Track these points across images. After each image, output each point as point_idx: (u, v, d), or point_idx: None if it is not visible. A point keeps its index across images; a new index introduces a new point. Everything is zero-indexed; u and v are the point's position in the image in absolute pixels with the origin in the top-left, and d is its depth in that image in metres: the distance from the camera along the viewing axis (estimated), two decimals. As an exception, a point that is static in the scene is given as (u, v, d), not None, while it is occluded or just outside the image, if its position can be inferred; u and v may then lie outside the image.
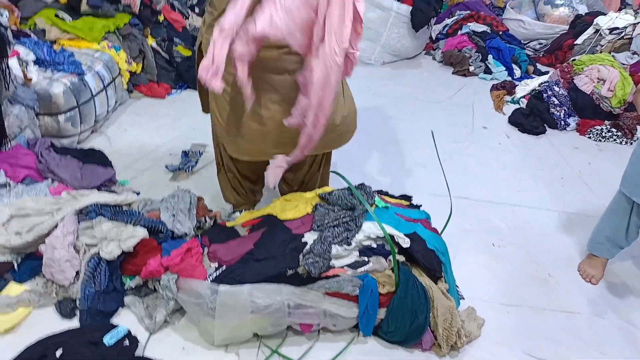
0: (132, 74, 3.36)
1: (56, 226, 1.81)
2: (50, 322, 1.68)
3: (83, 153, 2.52)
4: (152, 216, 1.93)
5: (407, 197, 2.17)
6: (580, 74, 3.74)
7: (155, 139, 2.94)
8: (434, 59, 4.85)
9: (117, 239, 1.78)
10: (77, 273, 1.76)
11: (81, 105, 2.70)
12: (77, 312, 1.72)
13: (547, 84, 3.83)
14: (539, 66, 4.78)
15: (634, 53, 4.40)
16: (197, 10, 4.60)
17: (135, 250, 1.77)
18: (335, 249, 1.68)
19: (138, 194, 2.31)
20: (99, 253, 1.76)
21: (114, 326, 1.63)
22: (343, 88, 1.82)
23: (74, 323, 1.69)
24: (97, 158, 2.49)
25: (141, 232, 1.79)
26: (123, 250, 1.75)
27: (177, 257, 1.68)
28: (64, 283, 1.73)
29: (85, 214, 1.88)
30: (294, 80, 1.54)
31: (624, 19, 4.61)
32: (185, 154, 2.74)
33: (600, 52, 4.38)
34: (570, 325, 1.91)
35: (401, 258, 1.74)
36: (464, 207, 2.52)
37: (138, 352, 1.60)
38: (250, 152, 1.79)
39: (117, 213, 1.91)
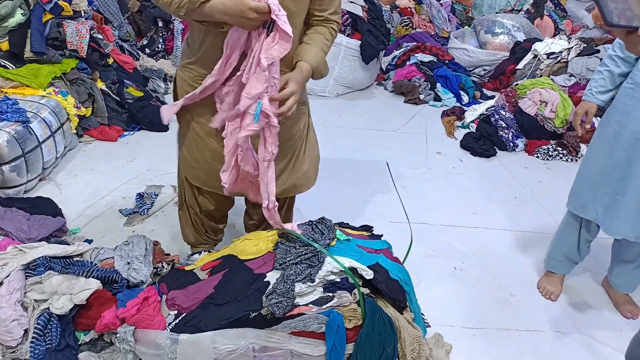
0: (82, 117, 3.28)
1: (1, 284, 1.70)
2: (-4, 389, 1.56)
3: (30, 203, 2.40)
4: (106, 265, 1.85)
5: (368, 228, 2.18)
6: (523, 97, 3.94)
7: (108, 183, 2.85)
8: (385, 89, 5.00)
9: (68, 292, 1.69)
10: (26, 331, 1.65)
11: (27, 154, 2.60)
12: (27, 375, 1.60)
13: (493, 108, 4.00)
14: (485, 91, 5.01)
15: (571, 75, 4.68)
16: (147, 51, 4.59)
17: (88, 302, 1.68)
18: (299, 287, 1.65)
19: (90, 241, 2.23)
20: (49, 308, 1.67)
21: (67, 387, 1.53)
22: (308, 133, 1.88)
23: (23, 387, 1.58)
24: (46, 207, 2.38)
25: (94, 284, 1.70)
26: (75, 304, 1.65)
27: (134, 308, 1.60)
28: (11, 344, 1.61)
29: (33, 268, 1.78)
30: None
31: (558, 44, 4.93)
32: (140, 196, 2.67)
33: (540, 76, 4.63)
34: (534, 343, 1.94)
35: (365, 290, 1.73)
36: (424, 233, 2.56)
37: (95, 414, 1.50)
38: (207, 184, 1.84)
39: (68, 265, 1.81)
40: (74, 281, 1.72)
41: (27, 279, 1.75)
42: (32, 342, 1.62)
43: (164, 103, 3.94)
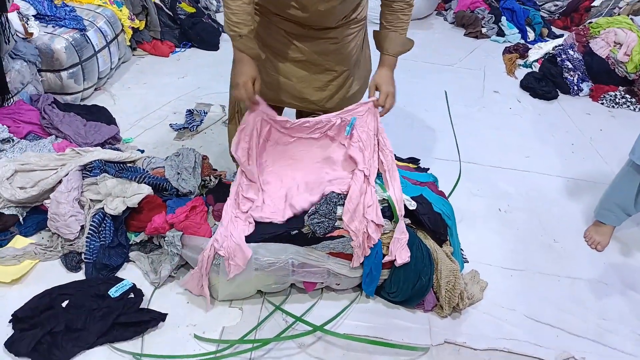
0: (135, 30, 3.29)
1: (60, 182, 1.81)
2: (56, 275, 1.70)
3: (87, 110, 2.49)
4: (157, 174, 1.92)
5: (415, 160, 2.15)
6: (596, 37, 3.63)
7: (160, 97, 2.90)
8: (445, 19, 4.71)
9: (121, 195, 1.78)
10: (82, 227, 1.76)
11: (84, 62, 2.65)
12: (83, 266, 1.73)
13: (561, 47, 3.72)
14: (553, 29, 4.64)
15: (654, 17, 4.24)
16: (202, -35, 4.45)
17: (140, 206, 1.77)
18: (341, 210, 1.67)
19: (142, 151, 2.30)
20: (103, 209, 1.76)
21: (119, 280, 1.65)
22: (363, 50, 1.86)
23: (80, 276, 1.71)
24: (101, 115, 2.47)
25: (146, 189, 1.78)
26: (128, 206, 1.75)
27: (182, 215, 1.67)
28: (69, 237, 1.73)
29: (89, 170, 1.87)
30: (320, 48, 1.69)
31: (645, -20, 4.43)
32: (190, 113, 2.71)
33: (618, 15, 4.22)
34: (573, 290, 1.91)
35: (407, 220, 1.73)
36: (472, 172, 2.49)
37: (143, 306, 1.62)
38: (267, 97, 1.82)
39: (121, 170, 1.90)
40: (127, 185, 1.80)
41: (83, 179, 1.85)
42: (87, 237, 1.73)
43: (215, 21, 3.89)
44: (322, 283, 1.70)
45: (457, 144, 2.31)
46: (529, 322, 1.75)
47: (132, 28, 3.20)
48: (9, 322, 1.51)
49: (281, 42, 1.68)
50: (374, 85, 1.69)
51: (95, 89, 2.86)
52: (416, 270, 1.66)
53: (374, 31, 1.72)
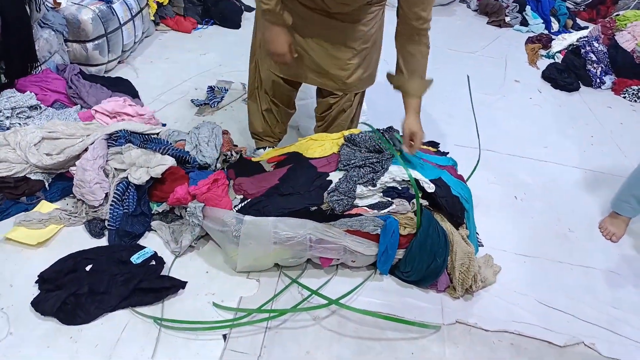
0: (159, 5, 3.30)
1: (86, 149, 1.85)
2: (80, 240, 1.75)
3: (111, 82, 2.53)
4: (179, 146, 1.95)
5: (435, 144, 2.16)
6: (622, 30, 3.58)
7: (181, 72, 2.92)
8: (468, 7, 4.66)
9: (145, 165, 1.81)
10: (106, 195, 1.81)
11: (109, 34, 2.68)
12: (106, 232, 1.78)
13: (586, 39, 3.67)
14: (578, 21, 4.57)
15: (683, 11, 4.16)
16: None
17: (163, 177, 1.81)
18: (360, 189, 1.69)
19: (164, 125, 2.33)
20: (127, 178, 1.81)
21: (141, 247, 1.70)
22: (379, 37, 1.88)
23: (103, 242, 1.76)
24: (125, 88, 2.51)
25: (169, 161, 1.82)
26: (151, 176, 1.78)
27: (204, 187, 1.71)
28: (94, 204, 1.78)
29: (115, 139, 1.91)
30: (342, 26, 1.72)
31: (676, -27, 4.34)
32: (211, 89, 2.74)
33: (647, 9, 4.15)
34: (585, 279, 1.92)
35: (425, 202, 1.75)
36: (490, 159, 2.50)
37: (164, 273, 1.67)
38: (285, 71, 1.88)
39: (146, 141, 1.93)
40: (150, 156, 1.84)
41: (109, 148, 1.89)
42: (111, 204, 1.78)
43: (238, 0, 3.88)
44: (337, 260, 1.74)
45: (477, 131, 2.31)
46: (541, 307, 1.77)
47: (157, 2, 3.22)
48: (35, 282, 1.57)
49: (303, 17, 1.71)
50: (408, 133, 1.73)
51: (119, 62, 2.90)
52: (432, 252, 1.69)
53: (388, 74, 1.78)
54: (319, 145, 1.92)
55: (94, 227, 1.79)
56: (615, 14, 4.00)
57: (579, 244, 2.09)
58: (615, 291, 1.89)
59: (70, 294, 1.53)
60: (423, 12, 1.60)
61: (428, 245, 1.69)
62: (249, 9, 3.89)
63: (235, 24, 3.61)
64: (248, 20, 3.72)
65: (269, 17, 1.60)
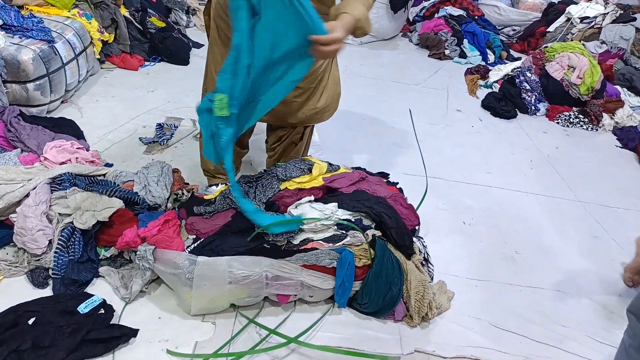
0: (105, 43, 3.26)
1: (28, 195, 1.77)
2: (22, 291, 1.66)
3: (54, 123, 2.45)
4: (127, 187, 1.91)
5: (385, 175, 2.21)
6: (551, 61, 3.84)
7: (129, 110, 2.87)
8: (410, 41, 4.88)
9: (92, 209, 1.75)
10: (50, 242, 1.73)
11: (51, 74, 2.61)
12: (50, 282, 1.69)
13: (519, 69, 3.92)
14: (512, 52, 4.88)
15: (603, 42, 4.54)
16: (171, -20, 4.47)
17: (110, 220, 1.75)
18: (314, 224, 1.71)
19: (111, 165, 2.27)
20: (73, 223, 1.74)
21: (88, 295, 1.62)
22: (331, 70, 1.91)
23: (47, 292, 1.67)
24: (69, 128, 2.43)
25: (117, 203, 1.77)
26: (98, 220, 1.72)
27: (155, 228, 1.67)
28: (37, 252, 1.70)
29: (59, 183, 1.84)
30: None
31: (594, 8, 4.75)
32: (160, 126, 2.70)
33: (571, 40, 4.49)
34: (534, 299, 2.00)
35: (378, 233, 1.78)
36: (437, 187, 2.59)
37: (113, 322, 1.59)
38: None
39: (91, 183, 1.88)
40: (97, 199, 1.78)
41: (52, 192, 1.81)
42: (56, 252, 1.70)
43: (185, 36, 3.90)
44: (295, 295, 1.73)
45: (423, 160, 2.40)
46: (494, 330, 1.82)
47: (101, 41, 3.17)
48: (-29, 340, 1.46)
49: None
50: (329, 28, 1.39)
51: (62, 102, 2.81)
52: (387, 281, 1.71)
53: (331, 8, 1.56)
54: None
55: (37, 276, 1.70)
56: (544, 45, 4.31)
57: (526, 266, 2.18)
58: (562, 309, 1.97)
59: (12, 350, 1.43)
60: None
61: (383, 275, 1.71)
62: (197, 45, 3.91)
63: (184, 61, 3.61)
64: (196, 56, 3.73)
65: None
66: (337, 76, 1.99)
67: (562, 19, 4.85)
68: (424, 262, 1.86)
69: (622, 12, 4.64)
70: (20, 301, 1.59)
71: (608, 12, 4.66)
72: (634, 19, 4.54)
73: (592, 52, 4.32)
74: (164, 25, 3.69)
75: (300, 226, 1.70)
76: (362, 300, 1.74)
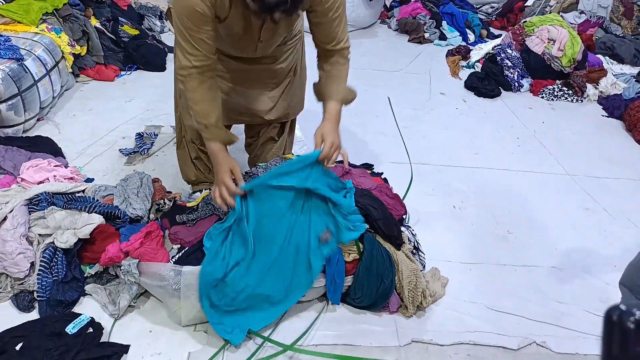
0: (77, 57, 3.20)
1: (5, 219, 1.73)
2: (7, 317, 1.62)
3: (30, 142, 2.40)
4: (108, 202, 1.87)
5: (369, 166, 2.18)
6: (531, 36, 3.82)
7: (107, 123, 2.82)
8: (389, 27, 4.84)
9: (72, 227, 1.71)
10: (32, 264, 1.69)
11: (23, 92, 2.55)
12: (36, 304, 1.66)
13: (500, 46, 3.89)
14: (491, 30, 4.85)
15: (581, 12, 4.52)
16: (142, -13, 4.41)
17: (92, 237, 1.71)
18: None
19: (92, 180, 2.23)
20: (54, 242, 1.70)
21: (76, 315, 1.59)
22: (302, 58, 1.93)
23: (34, 315, 1.64)
24: (46, 146, 2.39)
25: (97, 219, 1.73)
26: (79, 238, 1.69)
27: (137, 242, 1.63)
28: (19, 276, 1.66)
29: (36, 203, 1.80)
30: (261, 67, 1.75)
31: (570, -21, 4.71)
32: (139, 136, 2.65)
33: (550, 13, 4.47)
34: (529, 278, 1.98)
35: (365, 226, 1.75)
36: (425, 173, 2.56)
37: (103, 339, 1.56)
38: None
39: (70, 201, 1.83)
40: (77, 216, 1.74)
41: (30, 214, 1.77)
42: (39, 274, 1.66)
43: (160, 42, 3.84)
44: (286, 296, 1.70)
45: (405, 147, 2.37)
46: (491, 313, 1.80)
47: (73, 54, 3.11)
48: (-42, 372, 1.43)
49: (223, 65, 1.72)
50: (319, 137, 1.56)
51: (38, 120, 2.76)
52: (378, 274, 1.69)
53: (314, 83, 1.70)
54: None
55: (22, 300, 1.66)
56: (522, 21, 4.28)
57: (519, 244, 2.16)
58: (558, 286, 1.96)
59: (0, 379, 1.40)
60: (331, 35, 1.59)
61: (374, 268, 1.69)
62: (173, 50, 3.85)
63: (160, 67, 3.56)
64: (173, 61, 3.67)
65: (207, 135, 1.54)
66: (305, 64, 1.99)
67: (540, -8, 4.82)
68: (414, 251, 1.84)
69: (598, -20, 4.61)
70: (6, 327, 1.55)
71: (584, -18, 4.63)
72: (611, -14, 4.52)
73: (572, 23, 4.30)
74: (137, 32, 3.63)
75: None
76: (355, 295, 1.72)
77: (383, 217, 1.74)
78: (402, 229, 1.85)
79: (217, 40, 1.52)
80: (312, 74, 1.92)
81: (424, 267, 1.87)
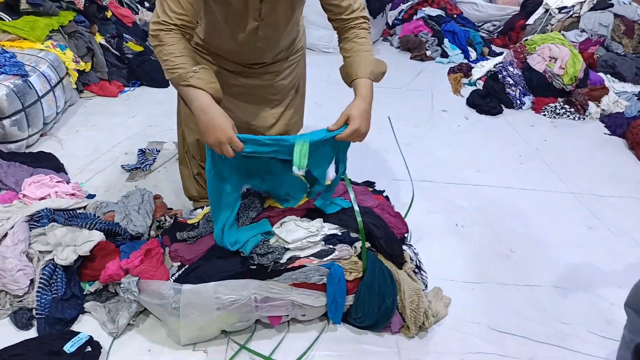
0: (82, 73, 3.23)
1: (6, 235, 1.72)
2: (5, 335, 1.60)
3: (33, 157, 2.41)
4: (108, 218, 1.87)
5: (371, 184, 2.18)
6: (532, 54, 3.84)
7: (110, 138, 2.84)
8: (391, 44, 4.88)
9: (72, 244, 1.71)
10: (32, 281, 1.68)
11: (27, 108, 2.57)
12: (35, 322, 1.64)
13: (501, 64, 3.91)
14: (493, 47, 4.89)
15: (583, 31, 4.54)
16: (147, 4, 4.48)
17: (92, 254, 1.70)
18: (300, 241, 1.67)
19: (93, 196, 2.23)
20: (54, 259, 1.69)
21: (74, 333, 1.57)
22: (300, 88, 1.94)
23: (32, 333, 1.62)
24: (48, 162, 2.39)
25: (97, 236, 1.72)
26: (79, 255, 1.68)
27: (137, 259, 1.62)
28: (18, 293, 1.65)
29: (37, 220, 1.79)
30: (262, 82, 1.75)
31: (571, -2, 4.75)
32: (142, 152, 2.66)
33: (551, 32, 4.50)
34: (533, 297, 1.96)
35: (367, 244, 1.74)
36: (427, 190, 2.55)
37: (102, 358, 1.54)
38: None
39: (71, 217, 1.83)
40: (77, 233, 1.74)
41: (31, 230, 1.77)
42: (38, 291, 1.65)
43: (164, 58, 3.87)
44: (287, 316, 1.68)
45: (406, 164, 2.37)
46: (494, 333, 1.77)
47: (78, 70, 3.14)
48: (-46, 391, 1.41)
49: (223, 79, 1.69)
50: (344, 118, 1.44)
51: (41, 135, 2.77)
52: (380, 293, 1.67)
53: (340, 68, 1.57)
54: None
55: (21, 318, 1.65)
56: (524, 39, 4.31)
57: (522, 263, 2.14)
58: (562, 306, 1.93)
59: (-4, 399, 1.38)
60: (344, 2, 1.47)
61: (376, 287, 1.67)
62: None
63: (163, 83, 3.58)
64: (176, 78, 3.70)
65: (195, 82, 1.34)
66: (304, 87, 2.00)
67: (541, 10, 4.86)
68: (416, 270, 1.82)
69: (599, -1, 4.66)
70: (4, 345, 1.53)
71: (585, 0, 4.66)
72: (612, 5, 4.55)
73: (573, 41, 4.33)
74: (141, 49, 3.67)
75: (286, 246, 1.66)
76: (356, 315, 1.70)
77: (385, 235, 1.73)
78: (404, 247, 1.84)
79: (215, 37, 1.50)
80: (310, 89, 1.95)
81: (426, 286, 1.85)
